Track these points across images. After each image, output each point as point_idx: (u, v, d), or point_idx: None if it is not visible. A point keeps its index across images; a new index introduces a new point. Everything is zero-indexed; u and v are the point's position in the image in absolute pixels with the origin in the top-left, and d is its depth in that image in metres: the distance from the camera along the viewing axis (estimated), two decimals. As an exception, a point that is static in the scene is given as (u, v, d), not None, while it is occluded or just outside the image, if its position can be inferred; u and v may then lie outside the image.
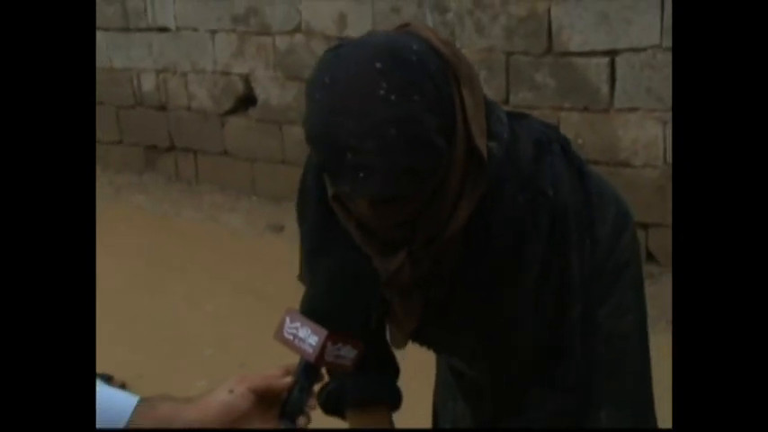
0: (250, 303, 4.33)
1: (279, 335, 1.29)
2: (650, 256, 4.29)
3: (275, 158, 5.57)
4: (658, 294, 4.09)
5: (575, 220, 1.48)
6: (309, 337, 1.27)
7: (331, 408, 1.72)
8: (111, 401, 1.22)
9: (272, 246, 4.99)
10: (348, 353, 1.30)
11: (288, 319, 1.29)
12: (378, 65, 1.23)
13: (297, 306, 1.32)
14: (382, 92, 1.21)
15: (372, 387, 1.70)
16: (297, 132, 5.31)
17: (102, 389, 1.22)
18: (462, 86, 1.31)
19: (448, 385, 1.91)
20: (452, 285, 1.50)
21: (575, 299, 1.51)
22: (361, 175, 1.23)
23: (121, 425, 1.20)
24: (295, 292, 1.51)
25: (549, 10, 4.31)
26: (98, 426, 1.17)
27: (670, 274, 4.15)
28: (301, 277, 1.69)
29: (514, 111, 1.55)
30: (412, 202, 1.31)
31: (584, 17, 4.21)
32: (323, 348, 1.26)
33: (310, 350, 1.26)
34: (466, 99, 1.31)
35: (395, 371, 1.77)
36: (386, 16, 4.78)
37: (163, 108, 6.03)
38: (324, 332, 1.26)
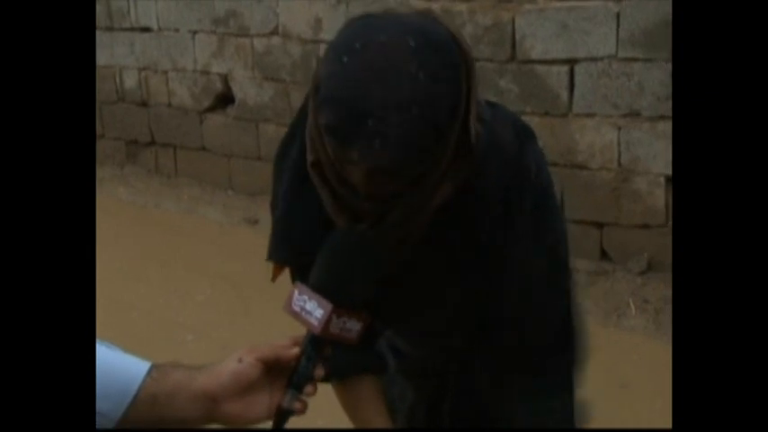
0: (227, 292, 4.41)
1: (287, 307, 1.31)
2: (604, 254, 4.42)
3: (251, 155, 5.63)
4: (611, 290, 4.23)
5: (551, 202, 1.53)
6: (316, 310, 1.28)
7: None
8: (123, 366, 1.21)
9: (247, 238, 5.04)
10: (353, 325, 1.32)
11: (296, 292, 1.31)
12: (411, 42, 1.22)
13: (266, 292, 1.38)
14: (412, 69, 1.21)
15: (354, 360, 1.67)
16: (272, 130, 5.43)
17: (113, 354, 1.22)
18: (470, 76, 1.31)
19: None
20: (432, 261, 1.51)
21: (563, 275, 1.55)
22: (377, 143, 1.22)
23: (132, 390, 1.19)
24: (269, 282, 1.62)
25: (512, 20, 4.39)
26: (109, 389, 1.16)
27: (622, 271, 4.31)
28: (271, 256, 1.65)
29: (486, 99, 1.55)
30: (404, 180, 1.30)
31: (546, 27, 4.30)
32: (328, 321, 1.28)
33: (316, 323, 1.28)
34: (471, 88, 1.32)
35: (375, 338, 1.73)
36: (360, 21, 4.90)
37: (144, 104, 6.08)
38: (329, 306, 1.28)
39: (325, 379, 1.62)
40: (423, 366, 1.78)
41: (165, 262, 4.85)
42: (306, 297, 1.30)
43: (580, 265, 4.35)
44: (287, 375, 1.28)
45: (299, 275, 1.46)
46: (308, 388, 1.28)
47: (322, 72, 1.27)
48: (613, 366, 3.56)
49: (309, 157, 1.38)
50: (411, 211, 1.37)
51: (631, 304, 4.13)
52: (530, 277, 1.54)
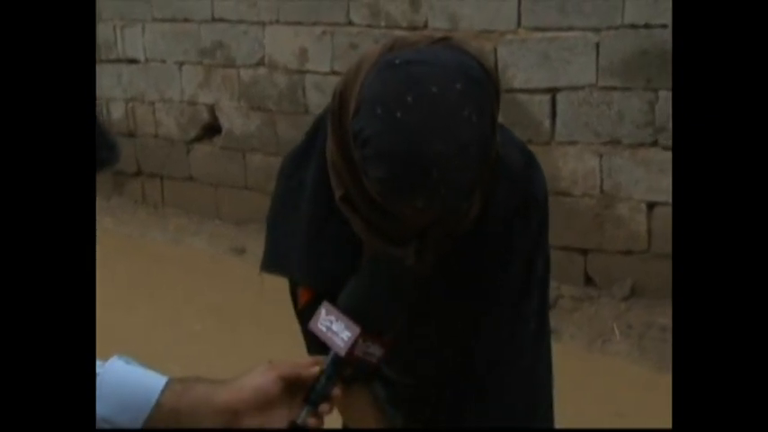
0: (214, 321, 4.40)
1: (314, 325, 1.31)
2: (589, 280, 4.45)
3: (238, 184, 5.65)
4: (596, 315, 4.27)
5: (547, 226, 1.57)
6: (342, 331, 1.28)
7: None
8: (141, 380, 1.26)
9: (234, 267, 5.04)
10: (376, 350, 1.31)
11: (323, 312, 1.31)
12: (458, 86, 1.24)
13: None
14: (465, 113, 1.23)
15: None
16: (259, 159, 5.47)
17: (131, 368, 1.27)
18: (498, 94, 1.34)
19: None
20: (441, 280, 1.52)
21: (533, 297, 1.57)
22: (443, 190, 1.24)
23: (150, 403, 1.23)
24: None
25: (495, 50, 4.44)
26: (127, 402, 1.21)
27: (607, 297, 4.34)
28: (266, 268, 1.64)
29: None
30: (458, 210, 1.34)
31: (528, 57, 4.36)
32: (354, 344, 1.28)
33: (341, 344, 1.28)
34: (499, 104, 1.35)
35: None
36: (345, 51, 4.90)
37: (131, 135, 6.07)
38: (357, 329, 1.27)
39: None
40: (413, 395, 1.78)
41: (152, 292, 4.84)
42: (333, 318, 1.30)
43: (565, 291, 4.40)
44: (304, 392, 1.30)
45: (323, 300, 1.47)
46: (325, 406, 1.29)
47: (368, 126, 1.27)
48: (603, 393, 3.59)
49: (337, 192, 1.41)
50: (448, 230, 1.41)
51: (615, 329, 4.16)
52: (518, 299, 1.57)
